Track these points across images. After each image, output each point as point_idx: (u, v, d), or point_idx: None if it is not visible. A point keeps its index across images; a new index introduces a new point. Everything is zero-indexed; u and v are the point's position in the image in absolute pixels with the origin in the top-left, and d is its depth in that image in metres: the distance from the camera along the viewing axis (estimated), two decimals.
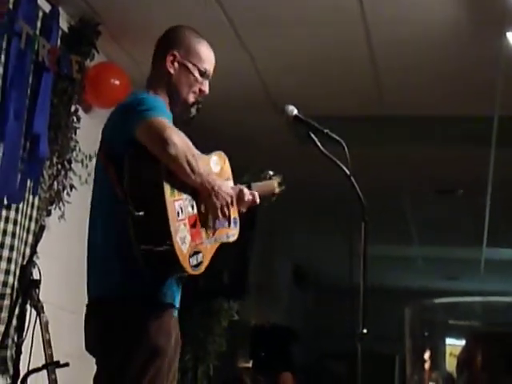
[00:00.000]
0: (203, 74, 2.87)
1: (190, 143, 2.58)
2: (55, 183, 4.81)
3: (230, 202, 2.69)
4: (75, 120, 4.97)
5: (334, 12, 4.90)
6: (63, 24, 4.95)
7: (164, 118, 2.57)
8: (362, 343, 2.67)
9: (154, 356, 2.60)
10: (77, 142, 5.02)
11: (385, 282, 12.29)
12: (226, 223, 2.78)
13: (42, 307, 4.01)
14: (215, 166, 2.83)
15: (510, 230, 9.23)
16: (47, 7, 4.75)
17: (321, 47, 5.36)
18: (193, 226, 2.60)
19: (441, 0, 4.73)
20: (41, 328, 3.96)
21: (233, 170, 2.94)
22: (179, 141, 2.51)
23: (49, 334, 4.00)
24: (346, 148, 2.77)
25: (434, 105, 6.17)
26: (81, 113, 5.08)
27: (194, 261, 2.56)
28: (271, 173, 3.12)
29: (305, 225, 9.44)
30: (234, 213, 2.83)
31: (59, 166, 4.84)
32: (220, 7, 4.89)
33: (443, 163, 7.33)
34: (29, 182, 4.50)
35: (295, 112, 2.90)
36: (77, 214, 5.17)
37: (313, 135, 2.85)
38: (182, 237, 2.52)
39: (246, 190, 2.87)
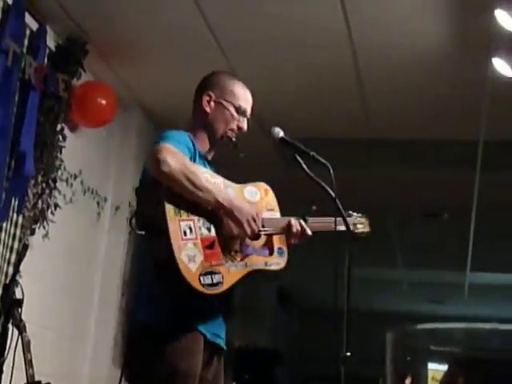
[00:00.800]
0: (238, 110, 2.93)
1: (189, 163, 2.63)
2: (39, 202, 4.78)
3: (254, 217, 2.72)
4: (61, 139, 4.96)
5: (321, 35, 4.92)
6: (50, 42, 4.94)
7: (170, 145, 2.62)
8: (345, 366, 2.65)
9: (172, 377, 2.60)
10: (62, 160, 5.01)
11: (370, 305, 12.28)
12: (267, 251, 2.81)
13: (25, 327, 3.99)
14: (252, 196, 2.86)
15: (494, 255, 9.25)
16: (34, 25, 4.75)
17: (308, 69, 5.38)
18: (208, 247, 2.62)
19: (428, 24, 4.76)
20: (23, 347, 3.93)
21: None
22: (172, 160, 2.56)
23: (30, 353, 3.96)
24: (331, 171, 2.77)
25: (420, 128, 6.20)
26: (67, 131, 5.06)
27: (207, 280, 2.56)
28: (352, 213, 3.10)
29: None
30: (278, 242, 2.85)
31: (44, 185, 4.81)
32: (208, 28, 4.91)
33: (429, 186, 7.35)
34: (13, 200, 4.48)
35: (281, 134, 2.89)
36: (61, 233, 5.15)
37: (299, 157, 2.85)
38: (191, 255, 2.55)
39: (294, 222, 2.86)
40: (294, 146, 2.88)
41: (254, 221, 2.71)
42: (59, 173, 5.04)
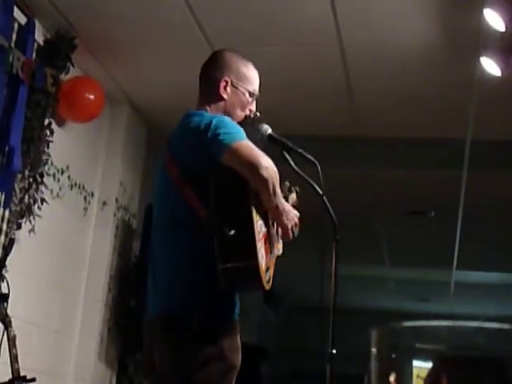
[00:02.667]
0: (253, 95, 2.98)
1: (276, 171, 2.67)
2: (26, 196, 4.76)
3: (297, 222, 2.85)
4: (48, 133, 4.94)
5: (310, 32, 4.92)
6: (39, 37, 4.93)
7: (249, 141, 2.67)
8: (331, 363, 2.66)
9: (231, 372, 2.63)
10: (49, 155, 4.99)
11: (356, 303, 12.30)
12: (277, 237, 2.92)
13: (10, 322, 3.97)
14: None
15: (480, 253, 9.28)
16: (23, 19, 4.73)
17: (297, 67, 5.39)
18: (265, 243, 2.69)
19: (416, 23, 4.77)
20: (8, 343, 3.91)
21: None
22: (270, 164, 2.62)
23: (16, 348, 3.95)
24: (319, 168, 2.78)
25: (408, 127, 6.22)
26: (54, 126, 5.04)
27: (267, 276, 2.65)
28: (288, 183, 3.16)
29: None
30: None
31: (31, 180, 4.80)
32: (197, 24, 4.91)
33: (416, 185, 7.37)
34: (0, 194, 4.46)
35: (269, 131, 2.90)
36: (48, 228, 5.14)
37: (286, 154, 2.86)
38: (262, 254, 2.61)
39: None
40: (282, 143, 2.88)
41: (296, 226, 2.85)
42: (46, 167, 5.03)
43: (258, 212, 2.66)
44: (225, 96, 2.91)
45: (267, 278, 2.64)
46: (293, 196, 3.14)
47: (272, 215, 2.76)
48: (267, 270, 2.64)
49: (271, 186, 2.61)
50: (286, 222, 2.78)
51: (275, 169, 2.64)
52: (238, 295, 2.75)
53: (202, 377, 2.58)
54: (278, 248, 2.92)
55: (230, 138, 2.63)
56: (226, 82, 2.91)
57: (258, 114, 2.99)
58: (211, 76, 2.95)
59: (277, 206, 2.71)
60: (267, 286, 2.63)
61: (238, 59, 3.01)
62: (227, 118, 2.77)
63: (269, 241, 2.75)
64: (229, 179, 2.62)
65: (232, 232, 2.53)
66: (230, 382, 2.64)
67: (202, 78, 3.00)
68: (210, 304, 2.63)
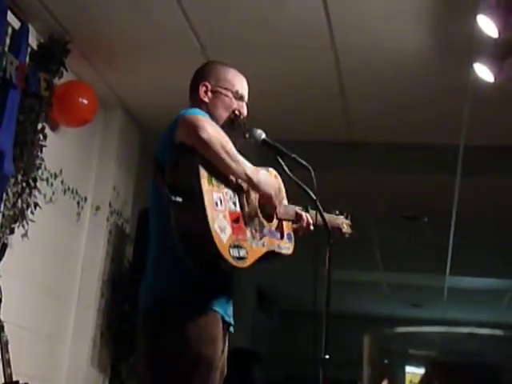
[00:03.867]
0: (237, 96, 2.98)
1: (226, 136, 2.65)
2: (19, 201, 4.75)
3: (277, 191, 2.80)
4: (41, 138, 4.93)
5: (304, 38, 4.93)
6: (32, 41, 4.93)
7: (200, 115, 2.68)
8: (324, 368, 2.66)
9: (200, 364, 2.58)
10: (42, 159, 4.98)
11: (349, 308, 12.30)
12: (278, 235, 2.87)
13: (3, 327, 3.97)
14: None
15: (473, 259, 9.30)
16: (16, 24, 4.73)
17: (290, 72, 5.39)
18: (235, 221, 2.64)
19: (410, 29, 4.78)
20: (0, 347, 3.91)
21: None
22: (211, 128, 2.61)
23: (8, 353, 3.95)
24: (312, 173, 2.78)
25: (401, 132, 6.22)
26: (47, 130, 5.04)
27: (235, 252, 2.58)
28: (337, 212, 3.24)
29: None
30: (287, 228, 2.94)
31: (24, 184, 4.79)
32: (190, 29, 4.91)
33: (409, 190, 7.38)
34: None
35: (263, 136, 2.90)
36: (40, 232, 5.13)
37: (280, 159, 2.86)
38: (222, 226, 2.55)
39: (304, 213, 2.98)
40: (276, 148, 2.88)
41: (278, 195, 2.81)
42: (39, 172, 5.02)
43: (224, 185, 2.64)
44: (205, 99, 2.93)
45: (237, 255, 2.57)
46: (333, 217, 3.19)
47: (248, 184, 2.72)
48: (235, 246, 2.57)
49: (220, 150, 2.59)
50: (264, 187, 2.74)
51: (223, 135, 2.64)
52: (230, 289, 2.75)
53: (168, 367, 2.58)
54: (280, 245, 2.87)
55: (183, 115, 2.67)
56: (206, 87, 2.94)
57: (246, 116, 2.97)
58: (193, 84, 3.01)
59: (245, 173, 2.68)
60: (236, 262, 2.56)
61: (219, 66, 3.05)
62: (198, 110, 2.79)
63: (248, 223, 2.70)
64: (180, 154, 2.63)
65: (178, 199, 2.53)
66: (202, 375, 2.58)
67: (189, 90, 3.03)
68: (180, 295, 2.64)
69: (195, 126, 2.59)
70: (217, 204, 2.58)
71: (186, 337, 2.58)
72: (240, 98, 2.98)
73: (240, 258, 2.59)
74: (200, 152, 2.59)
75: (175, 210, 2.55)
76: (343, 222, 3.29)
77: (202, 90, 2.94)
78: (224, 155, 2.60)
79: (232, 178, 2.69)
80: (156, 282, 2.70)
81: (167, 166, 2.64)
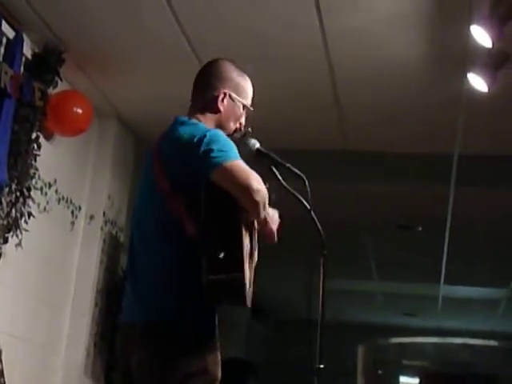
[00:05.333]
0: (245, 108, 2.96)
1: (265, 188, 2.63)
2: (13, 210, 4.75)
3: (279, 222, 2.86)
4: (36, 147, 4.93)
5: (298, 48, 4.94)
6: (27, 51, 4.93)
7: (241, 161, 2.63)
8: (318, 378, 2.66)
9: None
10: (37, 169, 4.98)
11: (344, 317, 12.30)
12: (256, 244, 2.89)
13: None
14: None
15: (468, 268, 9.30)
16: (11, 33, 4.73)
17: (285, 82, 5.40)
18: (249, 258, 2.66)
19: (404, 39, 4.80)
20: None
21: None
22: (261, 186, 2.58)
23: (2, 363, 3.93)
24: (306, 182, 2.78)
25: (396, 142, 6.23)
26: (42, 140, 5.04)
27: (249, 292, 2.61)
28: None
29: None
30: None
31: (18, 193, 4.78)
32: (185, 39, 4.92)
33: (403, 200, 7.39)
34: None
35: (257, 145, 2.89)
36: (34, 242, 5.12)
37: (274, 169, 2.86)
38: (247, 271, 2.57)
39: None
40: (270, 158, 2.88)
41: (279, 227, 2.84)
42: (33, 181, 5.01)
43: (246, 229, 2.64)
44: (221, 108, 2.87)
45: (250, 295, 2.60)
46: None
47: (259, 226, 2.76)
48: (250, 286, 2.60)
49: (262, 208, 2.58)
50: (271, 227, 2.78)
51: (265, 190, 2.61)
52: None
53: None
54: (255, 255, 2.87)
55: (223, 156, 2.58)
56: (225, 94, 2.88)
57: (250, 129, 2.95)
58: (210, 85, 2.91)
59: (265, 219, 2.71)
60: (249, 303, 2.59)
61: (236, 71, 2.97)
62: (221, 133, 2.72)
63: (250, 254, 2.72)
64: (219, 197, 2.56)
65: (222, 255, 2.50)
66: None
67: (199, 86, 2.95)
68: (198, 317, 2.61)
69: (248, 186, 2.54)
70: (247, 252, 2.60)
71: (205, 360, 2.59)
72: (246, 109, 2.97)
73: (250, 298, 2.63)
74: (242, 204, 2.57)
75: (211, 259, 2.51)
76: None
77: (220, 97, 2.88)
78: (261, 213, 2.61)
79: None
80: (170, 302, 2.64)
81: (204, 210, 2.57)
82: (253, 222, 2.75)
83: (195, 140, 2.64)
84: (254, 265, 2.79)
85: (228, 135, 2.83)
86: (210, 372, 2.59)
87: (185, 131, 2.72)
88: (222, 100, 2.87)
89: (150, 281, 2.69)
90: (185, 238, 2.61)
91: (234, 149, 2.66)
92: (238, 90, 2.92)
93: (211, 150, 2.59)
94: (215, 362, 2.62)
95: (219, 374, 2.63)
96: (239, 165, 2.59)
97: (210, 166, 2.57)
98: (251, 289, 2.64)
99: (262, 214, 2.63)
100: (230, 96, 2.89)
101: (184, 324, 2.59)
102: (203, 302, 2.56)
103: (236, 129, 2.93)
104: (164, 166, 2.71)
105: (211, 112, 2.87)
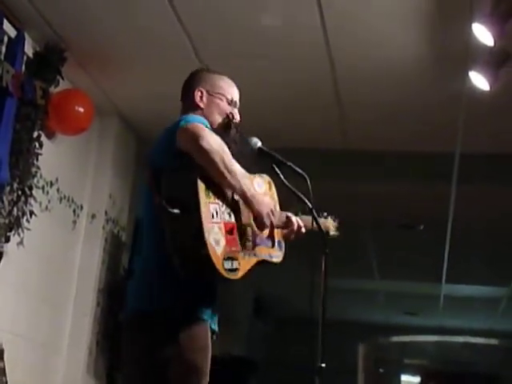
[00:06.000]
0: (230, 102, 3.01)
1: (227, 149, 2.65)
2: (15, 209, 4.75)
3: (273, 211, 2.77)
4: (37, 146, 4.93)
5: (299, 47, 4.94)
6: (28, 49, 4.93)
7: (201, 124, 2.68)
8: (320, 376, 2.66)
9: (193, 373, 2.62)
10: (38, 168, 4.98)
11: (345, 316, 12.29)
12: (270, 243, 2.87)
13: None
14: (259, 188, 2.89)
15: (469, 267, 9.30)
16: (13, 32, 4.73)
17: (286, 81, 5.40)
18: (229, 232, 2.64)
19: (405, 39, 4.79)
20: None
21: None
22: (213, 139, 2.61)
23: (3, 361, 3.94)
24: (308, 181, 2.78)
25: (397, 141, 6.23)
26: (43, 139, 5.04)
27: (228, 265, 2.58)
28: (325, 214, 3.23)
29: None
30: (278, 236, 2.92)
31: (19, 192, 4.78)
32: (187, 37, 4.92)
33: (405, 198, 7.38)
34: None
35: (259, 144, 2.91)
36: (36, 241, 5.12)
37: (276, 168, 2.86)
38: (216, 239, 2.56)
39: (295, 218, 2.97)
40: (272, 157, 2.89)
41: (272, 214, 2.77)
42: (35, 180, 5.01)
43: (220, 198, 2.64)
44: (201, 105, 2.96)
45: (229, 267, 2.58)
46: (321, 221, 3.12)
47: (242, 200, 2.72)
48: (228, 258, 2.58)
49: (218, 161, 2.58)
50: (257, 207, 2.71)
51: (223, 145, 2.63)
52: (216, 297, 2.75)
53: (160, 377, 2.58)
54: (271, 254, 2.88)
55: (185, 123, 2.67)
56: (201, 92, 2.97)
57: (239, 121, 2.99)
58: (187, 89, 3.03)
59: (241, 189, 2.66)
60: (228, 274, 2.57)
61: (212, 73, 3.09)
62: (195, 115, 2.82)
63: (241, 235, 2.71)
64: (179, 165, 2.63)
65: (175, 211, 2.53)
66: (195, 383, 2.61)
67: (182, 95, 3.06)
68: (174, 303, 2.64)
69: (196, 134, 2.59)
70: (213, 216, 2.58)
71: (179, 346, 2.59)
72: (234, 104, 3.01)
73: (232, 270, 2.60)
74: (198, 161, 2.59)
75: (170, 221, 2.55)
76: (330, 224, 3.28)
77: (197, 95, 2.96)
78: (222, 167, 2.59)
79: (228, 191, 2.69)
80: (146, 291, 2.70)
81: (164, 174, 2.64)
82: (236, 201, 2.73)
83: (169, 129, 2.75)
84: (255, 258, 2.77)
85: (221, 128, 2.90)
86: (185, 359, 2.59)
87: (165, 129, 2.81)
88: (201, 98, 2.97)
89: (140, 270, 2.77)
90: (156, 211, 2.64)
91: (200, 119, 2.75)
92: (214, 86, 3.01)
93: (180, 121, 2.70)
94: (194, 348, 2.62)
95: (201, 362, 2.64)
96: (196, 124, 2.66)
97: (174, 136, 2.66)
98: (235, 263, 2.61)
99: (228, 173, 2.60)
100: (207, 92, 2.98)
101: (158, 312, 2.63)
102: (181, 285, 2.59)
103: (227, 120, 2.96)
104: (151, 159, 2.79)
105: (194, 111, 2.94)
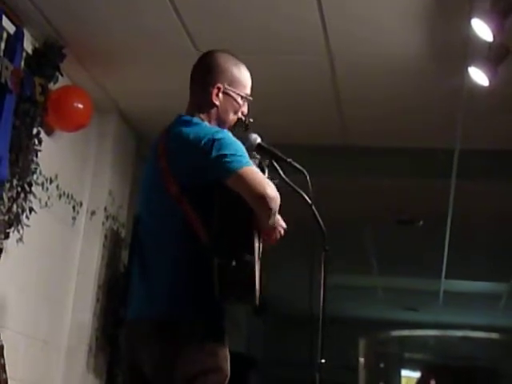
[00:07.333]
0: (244, 98, 2.94)
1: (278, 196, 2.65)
2: (14, 206, 4.75)
3: (284, 227, 2.86)
4: (37, 142, 4.93)
5: (299, 43, 4.94)
6: (27, 46, 4.92)
7: (254, 167, 2.66)
8: (320, 373, 2.66)
9: (225, 382, 2.64)
10: (38, 164, 4.98)
11: (345, 312, 12.30)
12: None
13: None
14: None
15: (469, 263, 9.31)
16: (12, 28, 4.73)
17: (285, 77, 5.40)
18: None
19: (404, 34, 4.79)
20: None
21: None
22: (275, 194, 2.60)
23: (4, 358, 3.94)
24: (307, 177, 2.78)
25: (396, 137, 6.23)
26: (43, 135, 5.03)
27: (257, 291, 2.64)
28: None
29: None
30: None
31: (19, 189, 4.78)
32: (186, 34, 4.91)
33: (404, 194, 7.38)
34: None
35: (259, 140, 2.90)
36: (36, 237, 5.12)
37: (275, 164, 2.86)
38: (258, 275, 2.61)
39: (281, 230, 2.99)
40: (271, 153, 2.89)
41: (281, 234, 2.85)
42: (35, 177, 5.01)
43: (257, 235, 2.66)
44: (216, 103, 2.87)
45: (257, 294, 2.62)
46: None
47: (268, 231, 2.78)
48: (258, 286, 2.62)
49: (273, 216, 2.63)
50: (278, 231, 2.82)
51: (278, 196, 2.62)
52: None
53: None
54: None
55: (237, 162, 2.59)
56: (219, 89, 2.88)
57: (251, 120, 2.96)
58: (203, 81, 2.92)
59: (274, 225, 2.74)
60: (257, 301, 2.62)
61: (230, 62, 2.96)
62: (230, 136, 2.72)
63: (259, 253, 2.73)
64: (232, 203, 2.58)
65: (234, 263, 2.53)
66: None
67: (195, 81, 2.96)
68: (211, 315, 2.64)
69: (263, 194, 2.56)
70: (259, 257, 2.63)
71: (218, 357, 2.61)
72: (246, 99, 2.96)
73: (258, 296, 2.65)
74: (254, 206, 2.58)
75: (222, 267, 2.54)
76: None
77: (214, 92, 2.87)
78: (273, 219, 2.65)
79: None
80: (183, 301, 2.65)
81: (216, 210, 2.60)
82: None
83: (203, 143, 2.65)
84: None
85: (230, 128, 2.86)
86: (222, 369, 2.61)
87: (190, 132, 2.72)
88: (217, 94, 2.88)
89: (162, 280, 2.69)
90: (194, 239, 2.62)
91: (245, 153, 2.67)
92: (233, 81, 2.91)
93: (224, 156, 2.60)
94: (226, 358, 2.65)
95: (228, 370, 2.65)
96: (254, 171, 2.62)
97: (225, 173, 2.59)
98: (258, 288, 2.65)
99: (273, 221, 2.66)
100: (224, 89, 2.88)
101: (197, 323, 2.61)
102: (214, 301, 2.59)
103: (239, 119, 2.93)
104: (172, 168, 2.71)
105: (208, 107, 2.87)
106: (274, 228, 2.76)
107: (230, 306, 2.67)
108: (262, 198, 2.56)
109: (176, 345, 2.59)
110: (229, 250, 2.55)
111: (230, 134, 2.73)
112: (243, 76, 2.96)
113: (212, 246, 2.58)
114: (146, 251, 2.78)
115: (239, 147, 2.67)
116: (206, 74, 2.93)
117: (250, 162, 2.65)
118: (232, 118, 2.91)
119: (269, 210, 2.58)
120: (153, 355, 2.62)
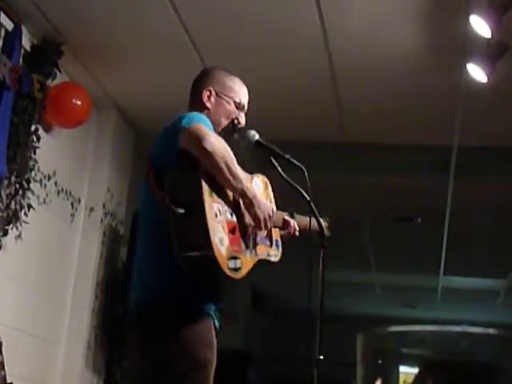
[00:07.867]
0: (238, 105, 2.99)
1: (230, 151, 2.66)
2: (13, 203, 4.75)
3: (270, 214, 2.79)
4: (35, 139, 4.93)
5: (297, 40, 4.94)
6: (26, 43, 4.92)
7: (204, 125, 2.67)
8: (318, 369, 2.66)
9: (199, 369, 2.61)
10: (36, 161, 4.98)
11: (343, 309, 12.32)
12: (268, 242, 2.90)
13: None
14: (257, 187, 2.92)
15: (467, 259, 9.32)
16: (10, 25, 4.73)
17: (284, 74, 5.40)
18: (231, 232, 2.66)
19: (402, 31, 4.79)
20: None
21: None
22: (216, 141, 2.62)
23: (2, 355, 3.94)
24: (306, 174, 2.79)
25: (395, 133, 6.23)
26: (41, 132, 5.03)
27: (232, 264, 2.60)
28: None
29: None
30: (275, 235, 2.96)
31: (17, 186, 4.78)
32: (184, 31, 4.91)
33: (402, 191, 7.39)
34: None
35: (257, 137, 2.90)
36: (34, 234, 5.12)
37: (274, 160, 2.87)
38: (220, 238, 2.58)
39: (292, 220, 3.04)
40: (270, 149, 2.89)
41: (270, 218, 2.79)
42: (33, 173, 5.01)
43: (222, 198, 2.66)
44: (208, 105, 2.94)
45: (233, 266, 2.59)
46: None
47: (243, 202, 2.74)
48: (232, 258, 2.59)
49: (222, 164, 2.60)
50: (256, 210, 2.73)
51: (228, 150, 2.64)
52: (220, 292, 2.76)
53: (167, 374, 2.58)
54: (269, 252, 2.90)
55: (188, 123, 2.65)
56: (210, 92, 2.95)
57: (244, 126, 2.98)
58: (196, 87, 3.01)
59: (243, 191, 2.69)
60: (232, 274, 2.58)
61: (223, 73, 3.05)
62: (200, 115, 2.79)
63: (242, 234, 2.72)
64: (181, 163, 2.63)
65: (181, 210, 2.54)
66: (200, 379, 2.61)
67: (191, 90, 3.04)
68: (178, 298, 2.64)
69: (200, 135, 2.59)
70: (216, 215, 2.60)
71: (183, 341, 2.60)
72: (242, 108, 3.00)
73: (236, 269, 2.61)
74: (202, 162, 2.60)
75: (175, 220, 2.56)
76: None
77: (205, 94, 2.95)
78: (225, 169, 2.61)
79: (229, 192, 2.71)
80: (151, 284, 2.70)
81: (168, 173, 2.65)
82: (238, 201, 2.74)
83: (170, 126, 2.74)
84: (256, 257, 2.78)
85: (220, 131, 2.89)
86: (191, 355, 2.59)
87: (166, 127, 2.80)
88: (208, 97, 2.96)
89: (138, 266, 2.77)
90: (159, 210, 2.65)
91: (203, 119, 2.74)
92: (224, 87, 2.99)
93: (179, 123, 2.68)
94: (200, 343, 2.63)
95: (207, 357, 2.63)
96: (200, 125, 2.65)
97: (176, 136, 2.65)
98: (238, 261, 2.62)
99: (230, 175, 2.62)
100: (216, 92, 2.96)
101: (163, 307, 2.63)
102: (185, 282, 2.60)
103: (232, 124, 2.95)
104: (152, 155, 2.79)
105: (200, 109, 2.92)
106: (244, 193, 2.70)
107: (197, 269, 2.59)
108: (199, 142, 2.58)
109: (146, 332, 2.64)
110: (179, 203, 2.57)
111: (202, 115, 2.80)
112: (237, 86, 3.03)
113: (164, 207, 2.60)
114: (137, 242, 2.85)
115: (200, 116, 2.75)
116: (201, 80, 3.03)
117: (205, 123, 2.69)
118: (224, 122, 2.95)
119: (208, 154, 2.57)
120: (133, 343, 2.70)
